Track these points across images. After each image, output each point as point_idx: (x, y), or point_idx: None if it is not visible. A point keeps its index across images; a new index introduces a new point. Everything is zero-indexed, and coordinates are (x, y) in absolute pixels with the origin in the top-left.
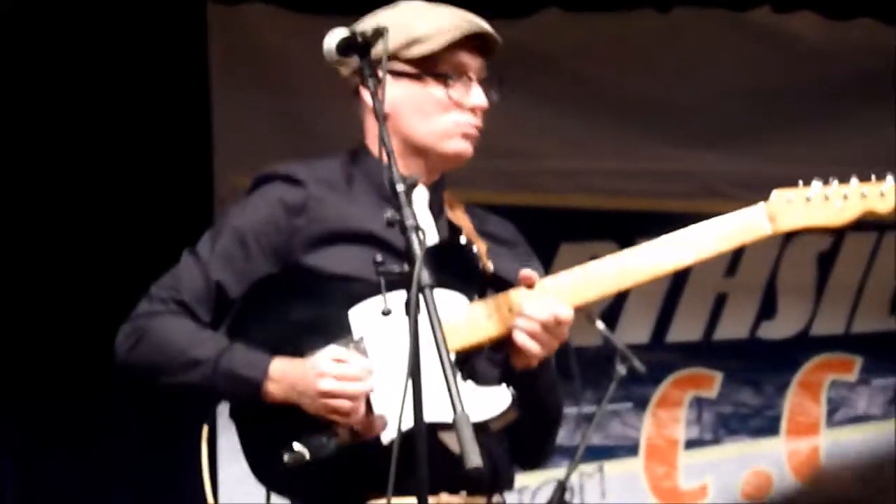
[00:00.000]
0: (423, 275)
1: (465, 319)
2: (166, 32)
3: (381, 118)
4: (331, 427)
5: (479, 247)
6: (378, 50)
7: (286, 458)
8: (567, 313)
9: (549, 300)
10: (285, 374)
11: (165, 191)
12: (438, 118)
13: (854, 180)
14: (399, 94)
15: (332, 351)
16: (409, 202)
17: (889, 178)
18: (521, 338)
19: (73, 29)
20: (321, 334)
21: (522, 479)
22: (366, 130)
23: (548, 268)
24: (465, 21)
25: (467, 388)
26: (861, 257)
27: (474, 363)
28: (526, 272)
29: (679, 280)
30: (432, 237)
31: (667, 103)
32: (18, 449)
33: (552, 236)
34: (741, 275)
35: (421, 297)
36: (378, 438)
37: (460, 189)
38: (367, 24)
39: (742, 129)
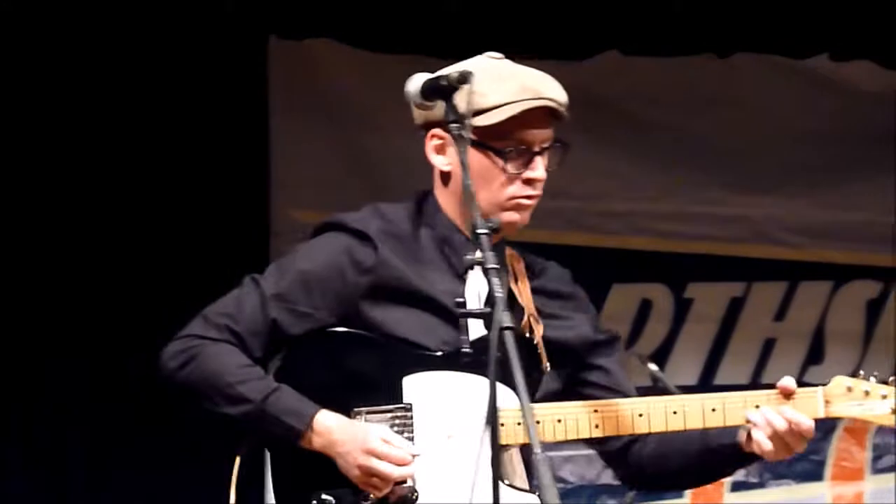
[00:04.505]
0: (504, 316)
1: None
2: (228, 65)
3: (464, 163)
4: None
5: (537, 331)
6: (461, 100)
7: (314, 503)
8: (808, 425)
9: (790, 411)
10: (329, 431)
11: (222, 223)
12: (495, 189)
13: None
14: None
15: (383, 431)
16: (490, 245)
17: None
18: (758, 436)
19: (136, 60)
20: (370, 394)
21: None
22: (435, 179)
23: (598, 308)
24: (533, 93)
25: (506, 491)
26: None
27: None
28: (785, 383)
29: (729, 324)
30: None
31: (723, 147)
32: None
33: (604, 277)
34: (790, 320)
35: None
36: None
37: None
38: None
39: (798, 175)
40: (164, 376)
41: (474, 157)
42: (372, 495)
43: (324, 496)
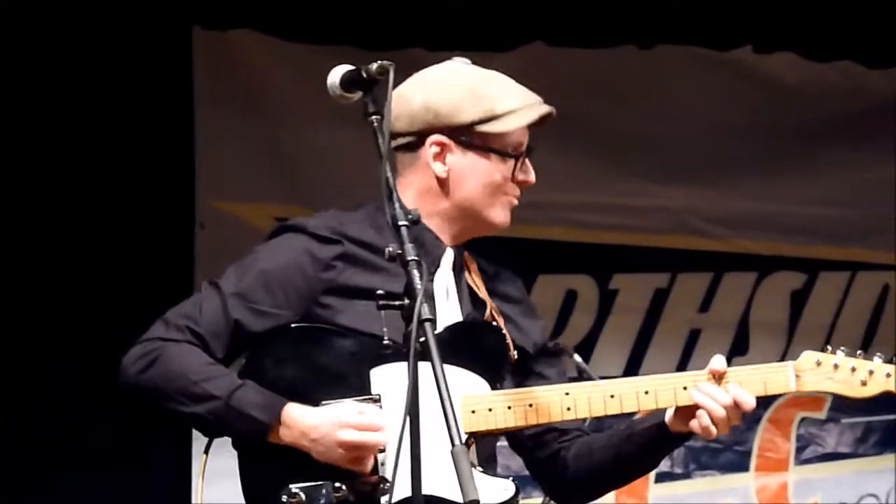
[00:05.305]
0: (424, 308)
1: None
2: (152, 56)
3: (384, 156)
4: (334, 479)
5: (500, 322)
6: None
7: (283, 498)
8: (751, 401)
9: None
10: (297, 422)
11: (146, 214)
12: (494, 191)
13: (877, 359)
14: (465, 164)
15: (352, 405)
16: (410, 237)
17: None
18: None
19: (58, 51)
20: (338, 387)
21: None
22: (417, 183)
23: None
24: (535, 99)
25: (477, 475)
26: (834, 296)
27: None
28: (716, 365)
29: (653, 315)
30: (453, 300)
31: (646, 139)
32: None
33: (530, 268)
34: (714, 311)
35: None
36: (377, 502)
37: None
38: (450, 79)
39: (718, 166)
40: (126, 382)
41: (476, 163)
42: (347, 483)
43: (293, 489)
